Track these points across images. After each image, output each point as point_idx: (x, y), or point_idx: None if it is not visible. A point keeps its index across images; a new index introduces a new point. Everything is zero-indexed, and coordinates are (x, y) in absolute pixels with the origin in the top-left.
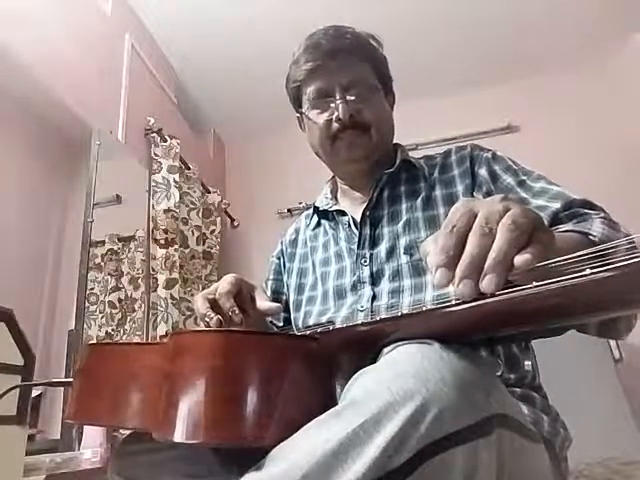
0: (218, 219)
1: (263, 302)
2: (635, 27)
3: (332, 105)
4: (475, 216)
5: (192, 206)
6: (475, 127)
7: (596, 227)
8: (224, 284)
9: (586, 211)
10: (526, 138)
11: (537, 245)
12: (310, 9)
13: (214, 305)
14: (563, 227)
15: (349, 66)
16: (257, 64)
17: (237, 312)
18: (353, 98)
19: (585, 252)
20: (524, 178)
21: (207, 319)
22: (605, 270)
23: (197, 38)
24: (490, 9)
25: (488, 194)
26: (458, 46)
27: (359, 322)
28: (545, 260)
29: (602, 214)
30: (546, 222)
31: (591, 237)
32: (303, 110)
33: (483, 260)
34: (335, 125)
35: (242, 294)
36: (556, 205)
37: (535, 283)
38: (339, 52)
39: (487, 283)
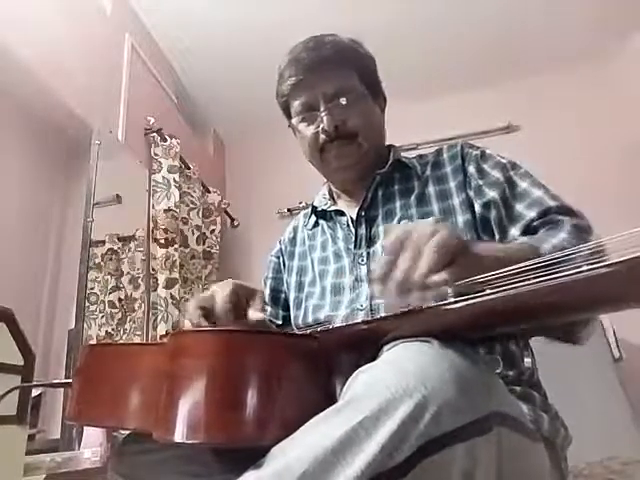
0: (218, 219)
1: (252, 312)
2: (635, 27)
3: (318, 118)
4: (409, 238)
5: (192, 206)
6: (475, 127)
7: (561, 235)
8: (222, 297)
9: (560, 218)
10: (526, 138)
11: (455, 267)
12: (309, 10)
13: (208, 314)
14: (520, 240)
15: (331, 77)
16: (257, 64)
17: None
18: (337, 109)
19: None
20: (511, 174)
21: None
22: (597, 268)
23: (197, 38)
24: (490, 9)
25: (478, 189)
26: (458, 46)
27: (359, 321)
28: (464, 278)
29: (575, 221)
30: (519, 231)
31: (540, 251)
32: (293, 122)
33: (409, 278)
34: (322, 137)
35: (240, 301)
36: (532, 214)
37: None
38: (320, 64)
39: (412, 298)
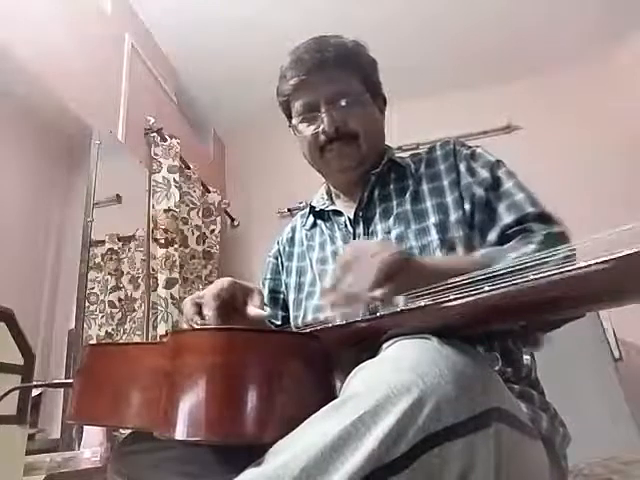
0: (218, 219)
1: (251, 309)
2: (635, 27)
3: (319, 119)
4: (357, 257)
5: (192, 206)
6: (475, 127)
7: (526, 248)
8: (212, 291)
9: (535, 227)
10: (526, 138)
11: (391, 285)
12: (309, 10)
13: (201, 312)
14: (479, 253)
15: (333, 78)
16: (257, 64)
17: (212, 321)
18: (338, 111)
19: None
20: (498, 172)
21: (192, 323)
22: (595, 264)
23: (197, 38)
24: (490, 9)
25: (468, 187)
26: (458, 46)
27: (359, 319)
28: (403, 292)
29: (549, 230)
30: (495, 237)
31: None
32: (293, 123)
33: (353, 292)
34: (322, 137)
35: (237, 298)
36: (508, 220)
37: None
38: (322, 66)
39: (353, 310)
